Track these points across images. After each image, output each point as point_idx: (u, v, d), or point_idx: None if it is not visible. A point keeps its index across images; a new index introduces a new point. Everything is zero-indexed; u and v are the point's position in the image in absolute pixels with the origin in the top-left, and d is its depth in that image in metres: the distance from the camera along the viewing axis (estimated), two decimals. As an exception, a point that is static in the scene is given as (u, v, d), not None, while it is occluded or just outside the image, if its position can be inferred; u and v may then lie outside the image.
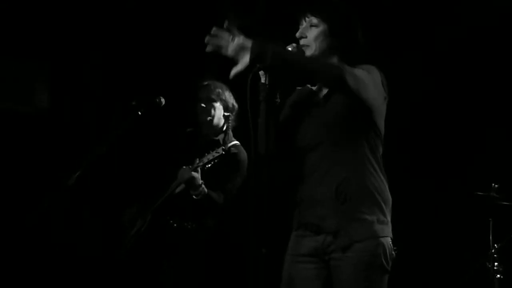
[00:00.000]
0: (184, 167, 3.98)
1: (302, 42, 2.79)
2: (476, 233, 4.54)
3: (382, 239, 2.69)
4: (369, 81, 2.65)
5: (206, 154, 3.97)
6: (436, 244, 4.79)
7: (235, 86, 4.05)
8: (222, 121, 4.27)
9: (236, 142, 4.19)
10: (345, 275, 2.67)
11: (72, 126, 5.23)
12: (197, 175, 3.93)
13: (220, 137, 4.24)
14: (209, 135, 4.26)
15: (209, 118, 4.21)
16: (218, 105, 4.24)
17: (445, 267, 4.81)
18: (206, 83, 4.29)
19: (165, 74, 5.08)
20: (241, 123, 4.17)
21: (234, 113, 4.29)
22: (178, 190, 4.05)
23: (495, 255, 4.40)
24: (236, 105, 4.29)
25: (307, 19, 2.80)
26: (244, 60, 2.51)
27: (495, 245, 4.42)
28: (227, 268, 4.69)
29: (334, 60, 2.77)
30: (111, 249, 4.31)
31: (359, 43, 2.82)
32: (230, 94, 4.28)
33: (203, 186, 3.94)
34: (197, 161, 3.96)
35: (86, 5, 5.15)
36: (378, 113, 2.77)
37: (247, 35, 2.44)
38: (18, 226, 4.71)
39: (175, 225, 4.12)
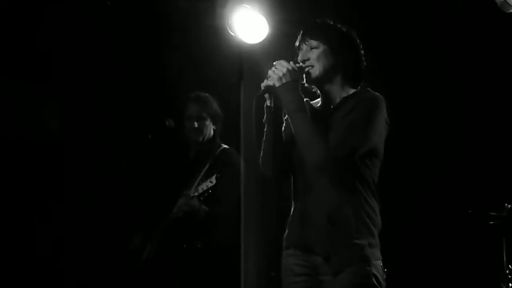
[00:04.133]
0: (182, 198, 4.00)
1: (305, 64, 2.81)
2: (489, 254, 4.50)
3: (374, 262, 2.70)
4: (366, 137, 2.68)
5: (201, 182, 3.99)
6: (449, 265, 4.74)
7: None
8: (211, 133, 4.24)
9: (225, 146, 4.21)
10: None
11: (83, 152, 5.19)
12: (194, 203, 3.96)
13: (209, 146, 4.21)
14: (200, 148, 4.22)
15: (201, 137, 4.19)
16: (208, 122, 4.23)
17: (458, 288, 4.73)
18: (194, 96, 4.25)
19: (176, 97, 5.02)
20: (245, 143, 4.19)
21: (221, 123, 4.28)
22: (180, 215, 4.06)
23: (509, 276, 4.31)
24: (222, 115, 4.28)
25: (306, 42, 2.83)
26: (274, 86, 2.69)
27: (509, 265, 4.34)
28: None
29: (338, 78, 2.79)
30: (122, 275, 4.28)
31: (361, 60, 2.86)
32: (215, 102, 4.28)
33: (202, 208, 3.95)
34: (193, 191, 3.98)
35: (95, 30, 5.13)
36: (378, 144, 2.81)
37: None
38: (31, 250, 4.82)
39: (184, 246, 4.09)
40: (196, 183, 4.09)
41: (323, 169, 2.67)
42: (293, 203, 2.86)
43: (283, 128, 2.88)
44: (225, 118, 4.35)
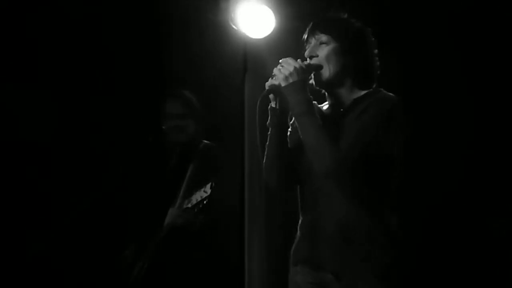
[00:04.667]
0: (172, 210, 3.77)
1: (312, 61, 2.68)
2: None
3: (390, 280, 2.54)
4: (378, 140, 2.54)
5: (194, 192, 3.71)
6: (473, 279, 4.47)
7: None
8: (194, 134, 4.01)
9: (206, 142, 4.00)
10: None
11: (79, 157, 4.98)
12: (188, 216, 3.71)
13: (190, 146, 3.99)
14: (183, 150, 4.02)
15: (182, 137, 3.97)
16: (190, 121, 3.99)
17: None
18: (174, 94, 4.03)
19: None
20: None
21: (203, 123, 4.04)
22: (173, 228, 3.81)
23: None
24: (203, 112, 4.04)
25: (316, 36, 2.69)
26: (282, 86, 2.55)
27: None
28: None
29: (348, 80, 2.66)
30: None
31: (374, 60, 2.73)
32: (197, 102, 4.04)
33: (197, 218, 3.73)
34: (186, 202, 3.72)
35: (92, 27, 4.94)
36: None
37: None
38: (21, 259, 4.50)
39: (182, 258, 3.85)
40: (184, 188, 3.86)
41: (334, 176, 2.51)
42: (300, 216, 2.72)
43: (288, 132, 2.72)
44: (228, 119, 4.21)
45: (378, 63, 2.74)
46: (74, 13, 4.77)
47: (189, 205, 3.70)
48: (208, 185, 3.63)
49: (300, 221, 2.72)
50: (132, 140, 3.94)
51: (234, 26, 3.66)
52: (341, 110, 2.67)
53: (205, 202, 3.63)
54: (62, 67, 4.98)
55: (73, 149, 4.92)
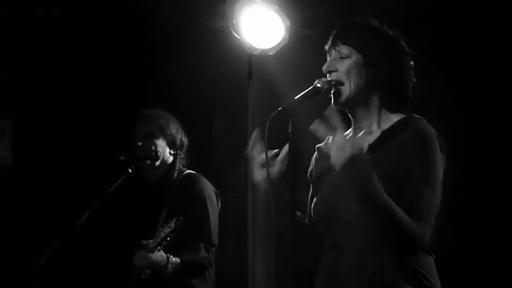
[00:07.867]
0: (139, 251, 3.37)
1: (331, 77, 2.40)
2: None
3: None
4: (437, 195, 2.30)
5: (160, 228, 3.40)
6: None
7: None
8: (170, 160, 3.64)
9: (188, 171, 3.67)
10: None
11: (41, 186, 4.52)
12: (157, 256, 3.32)
13: (167, 175, 3.66)
14: (156, 179, 3.68)
15: (148, 159, 3.57)
16: (160, 143, 3.60)
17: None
18: (145, 113, 3.71)
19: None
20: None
21: (183, 150, 3.68)
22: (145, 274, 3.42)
23: None
24: (185, 140, 3.69)
25: (337, 48, 2.43)
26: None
27: None
28: None
29: (375, 99, 2.41)
30: None
31: (408, 75, 2.44)
32: (178, 126, 3.70)
33: (171, 260, 3.35)
34: (151, 241, 3.37)
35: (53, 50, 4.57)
36: None
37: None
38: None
39: None
40: (159, 226, 3.51)
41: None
42: (318, 264, 2.46)
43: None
44: (229, 146, 3.88)
45: (414, 79, 2.43)
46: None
47: (154, 244, 3.36)
48: (173, 220, 3.36)
49: (318, 268, 2.45)
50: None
51: (235, 34, 3.43)
52: (369, 144, 2.39)
53: (168, 238, 3.36)
54: (56, 69, 4.60)
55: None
